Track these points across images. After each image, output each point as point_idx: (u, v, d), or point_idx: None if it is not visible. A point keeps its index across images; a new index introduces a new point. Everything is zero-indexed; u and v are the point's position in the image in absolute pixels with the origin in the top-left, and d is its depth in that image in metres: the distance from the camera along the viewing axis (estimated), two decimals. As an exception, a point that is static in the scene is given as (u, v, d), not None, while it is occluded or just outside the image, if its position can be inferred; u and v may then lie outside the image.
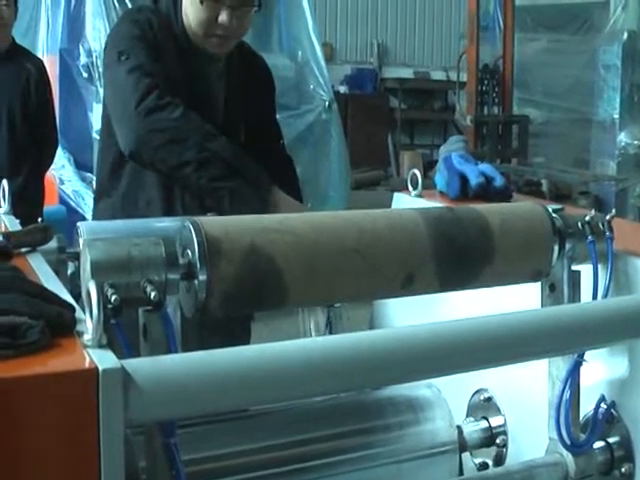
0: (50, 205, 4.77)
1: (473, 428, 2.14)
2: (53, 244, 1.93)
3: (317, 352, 1.29)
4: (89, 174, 5.78)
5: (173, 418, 1.37)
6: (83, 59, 6.11)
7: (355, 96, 12.96)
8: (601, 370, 1.88)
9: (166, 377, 1.19)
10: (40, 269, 1.58)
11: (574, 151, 9.91)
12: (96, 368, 1.14)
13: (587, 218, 1.79)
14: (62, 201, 5.95)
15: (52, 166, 4.73)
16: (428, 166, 9.93)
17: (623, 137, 9.05)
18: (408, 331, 1.39)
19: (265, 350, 1.26)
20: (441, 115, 13.59)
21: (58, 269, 1.70)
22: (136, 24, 2.56)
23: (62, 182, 6.04)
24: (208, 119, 2.48)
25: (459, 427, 2.10)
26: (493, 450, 2.14)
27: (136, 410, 1.16)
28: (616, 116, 9.03)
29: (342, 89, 12.88)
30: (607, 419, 1.85)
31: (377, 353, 1.32)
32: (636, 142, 9.00)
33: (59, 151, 4.97)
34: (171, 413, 1.24)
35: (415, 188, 2.35)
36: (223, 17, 2.47)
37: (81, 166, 6.04)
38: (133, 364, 1.18)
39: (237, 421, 1.90)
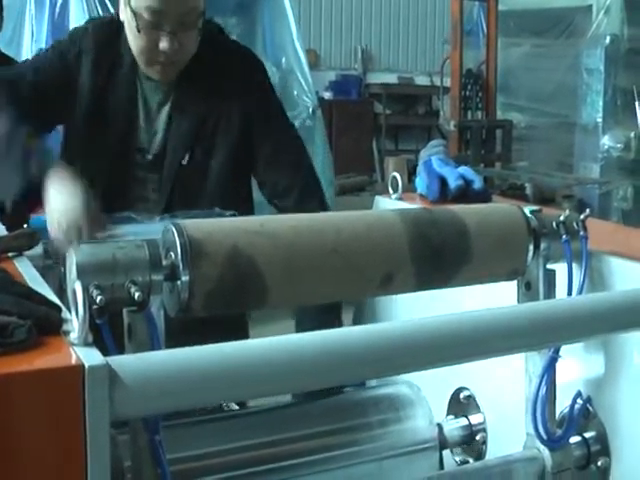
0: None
1: (453, 426, 2.17)
2: (39, 249, 1.97)
3: (300, 347, 1.33)
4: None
5: (159, 413, 1.41)
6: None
7: (340, 102, 13.00)
8: (577, 366, 1.92)
9: (151, 373, 1.22)
10: (27, 273, 1.61)
11: (558, 155, 9.97)
12: (82, 365, 1.17)
13: (562, 218, 1.83)
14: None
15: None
16: (413, 171, 9.92)
17: (606, 140, 9.10)
18: (386, 327, 1.43)
19: (248, 346, 1.30)
20: (425, 120, 13.64)
21: (44, 274, 1.73)
22: (75, 32, 2.56)
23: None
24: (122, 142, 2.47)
25: (439, 425, 2.14)
26: (473, 447, 2.18)
27: (122, 405, 1.19)
28: (599, 120, 9.08)
29: (327, 95, 12.92)
30: (583, 414, 1.89)
31: (354, 348, 1.35)
32: (619, 145, 9.06)
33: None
34: (157, 408, 1.28)
35: (395, 191, 2.39)
36: (164, 44, 2.34)
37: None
38: (118, 361, 1.22)
39: (220, 421, 1.94)
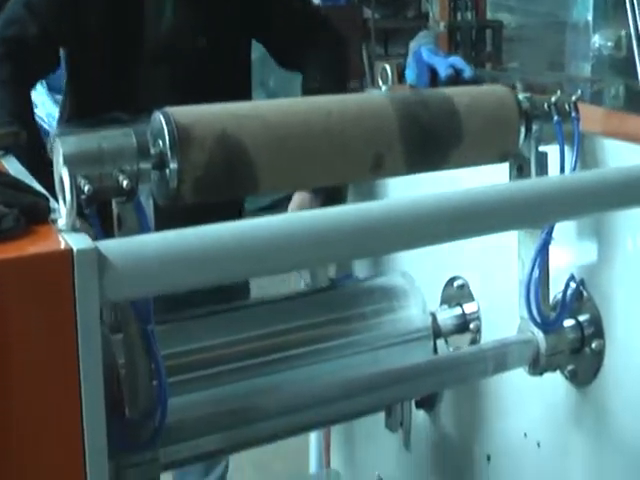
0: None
1: (447, 315, 2.18)
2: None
3: (292, 226, 1.31)
4: (61, 96, 5.71)
5: (149, 295, 1.40)
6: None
7: (328, 8, 12.80)
8: (570, 250, 1.91)
9: (140, 255, 1.21)
10: (13, 168, 1.60)
11: (549, 55, 9.86)
12: (71, 249, 1.16)
13: (553, 99, 1.80)
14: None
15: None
16: (402, 74, 9.85)
17: (597, 39, 9.00)
18: (376, 205, 1.42)
19: (239, 226, 1.28)
20: (415, 23, 13.47)
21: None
22: None
23: (35, 106, 5.98)
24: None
25: (433, 314, 2.14)
26: (467, 336, 2.18)
27: (111, 289, 1.18)
28: (590, 18, 8.97)
29: (315, 1, 12.75)
30: (577, 298, 1.88)
31: (346, 227, 1.34)
32: (610, 43, 8.95)
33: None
34: (146, 290, 1.27)
35: (385, 83, 2.37)
36: None
37: (54, 89, 5.97)
38: (107, 244, 1.20)
39: (214, 315, 1.94)
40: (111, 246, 1.21)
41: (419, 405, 2.34)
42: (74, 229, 1.24)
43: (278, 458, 3.96)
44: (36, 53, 2.37)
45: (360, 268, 2.47)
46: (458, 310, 2.19)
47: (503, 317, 2.00)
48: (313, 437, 2.99)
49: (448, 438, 2.34)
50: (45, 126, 5.76)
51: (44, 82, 5.90)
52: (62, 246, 1.18)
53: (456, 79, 2.38)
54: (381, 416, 2.41)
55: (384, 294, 2.09)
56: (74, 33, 2.42)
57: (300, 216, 1.34)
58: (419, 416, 2.38)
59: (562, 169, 1.77)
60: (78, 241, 1.18)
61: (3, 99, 2.30)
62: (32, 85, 2.44)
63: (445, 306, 2.22)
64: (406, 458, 2.46)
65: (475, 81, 2.42)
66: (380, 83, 2.41)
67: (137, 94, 2.43)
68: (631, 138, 1.84)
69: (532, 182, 1.73)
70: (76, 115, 2.53)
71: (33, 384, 1.16)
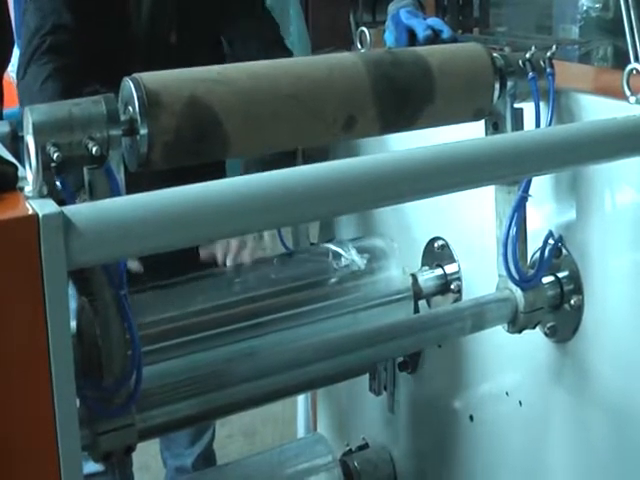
0: (9, 107, 4.70)
1: (428, 276, 2.17)
2: (5, 128, 1.93)
3: (262, 186, 1.30)
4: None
5: (116, 259, 1.40)
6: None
7: (315, -25, 12.76)
8: (547, 207, 1.90)
9: (106, 219, 1.20)
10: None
11: (536, 18, 9.81)
12: (36, 215, 1.15)
13: (527, 56, 1.79)
14: (22, 103, 5.84)
15: (9, 67, 4.63)
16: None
17: (585, 0, 8.96)
18: (349, 163, 1.39)
19: (208, 187, 1.27)
20: (402, -10, 13.41)
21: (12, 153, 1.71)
22: None
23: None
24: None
25: (414, 275, 2.13)
26: (449, 297, 2.18)
27: (78, 253, 1.17)
28: (576, -21, 8.93)
29: (301, -31, 12.67)
30: (555, 254, 1.88)
31: (320, 184, 1.32)
32: (597, 5, 8.89)
33: (16, 52, 4.86)
34: (113, 254, 1.25)
35: (363, 46, 2.35)
36: None
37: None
38: (73, 209, 1.19)
39: (190, 282, 1.93)
40: (77, 211, 1.19)
41: (402, 368, 2.35)
42: (41, 195, 1.23)
43: (268, 427, 3.99)
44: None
45: (342, 232, 2.47)
46: (439, 271, 2.19)
47: (484, 277, 2.00)
48: (301, 405, 3.00)
49: (431, 400, 2.34)
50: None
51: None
52: (28, 212, 1.17)
53: (435, 40, 2.36)
54: (365, 380, 2.42)
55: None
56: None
57: (271, 175, 1.32)
58: (403, 379, 2.39)
59: (538, 125, 1.76)
60: (44, 206, 1.17)
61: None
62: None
63: (426, 267, 2.21)
64: (390, 421, 2.46)
65: (453, 41, 2.40)
66: (359, 46, 2.39)
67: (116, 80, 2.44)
68: (606, 93, 1.83)
69: (506, 136, 1.72)
70: None
71: (0, 352, 1.15)
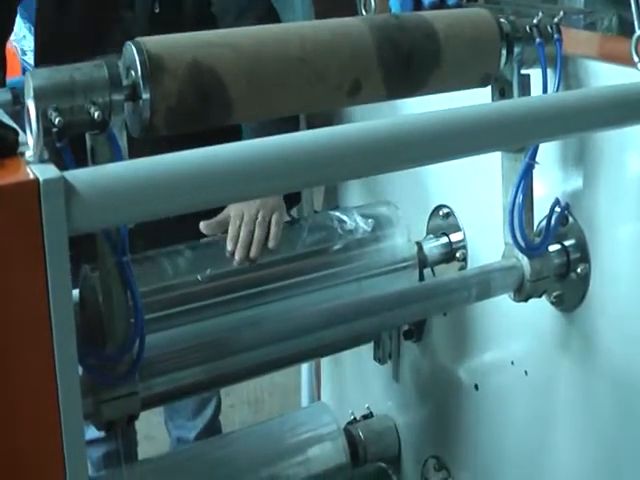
0: (12, 77, 4.68)
1: (433, 244, 2.16)
2: (7, 96, 1.91)
3: (266, 150, 1.28)
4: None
5: (117, 224, 1.38)
6: None
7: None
8: (554, 175, 1.88)
9: (108, 183, 1.18)
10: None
11: (541, -13, 9.75)
12: (37, 179, 1.13)
13: (535, 21, 1.76)
14: (24, 72, 5.81)
15: (12, 37, 4.61)
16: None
17: (590, -30, 8.89)
18: (359, 127, 1.37)
19: (210, 152, 1.25)
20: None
21: (14, 120, 1.69)
22: None
23: (24, 53, 5.89)
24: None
25: (419, 243, 2.12)
26: (454, 265, 2.17)
27: (79, 218, 1.15)
28: (583, -53, 8.85)
29: None
30: (562, 222, 1.86)
31: (323, 150, 1.30)
32: (603, -26, 8.85)
33: (19, 22, 4.83)
34: (115, 219, 1.24)
35: (368, 12, 2.32)
36: None
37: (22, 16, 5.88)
38: (74, 174, 1.17)
39: (195, 250, 1.92)
40: (78, 175, 1.18)
41: (407, 337, 2.34)
42: (42, 160, 1.21)
43: (272, 396, 3.99)
44: None
45: (346, 200, 2.45)
46: (444, 239, 2.17)
47: (490, 245, 1.98)
48: (305, 374, 3.00)
49: (436, 369, 2.33)
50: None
51: (32, 29, 5.82)
52: (29, 177, 1.15)
53: (440, 6, 2.34)
54: (370, 349, 2.41)
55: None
56: None
57: (275, 140, 1.30)
58: (407, 348, 2.38)
59: (545, 92, 1.74)
60: (45, 171, 1.15)
61: None
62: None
63: (431, 235, 2.20)
64: (395, 390, 2.46)
65: (459, 7, 2.38)
66: (363, 12, 2.37)
67: (100, 42, 2.40)
68: (614, 59, 1.80)
69: (513, 101, 1.69)
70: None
71: (1, 317, 1.14)
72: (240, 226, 1.91)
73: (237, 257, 1.89)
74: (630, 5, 1.96)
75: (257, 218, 1.91)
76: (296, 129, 2.05)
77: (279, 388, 3.90)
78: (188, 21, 2.40)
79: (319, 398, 2.84)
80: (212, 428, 2.87)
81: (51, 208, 1.13)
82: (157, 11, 2.38)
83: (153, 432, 3.34)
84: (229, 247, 1.90)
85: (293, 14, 6.87)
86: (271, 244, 1.92)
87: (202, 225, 1.93)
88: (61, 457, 1.19)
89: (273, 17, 2.38)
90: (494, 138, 1.50)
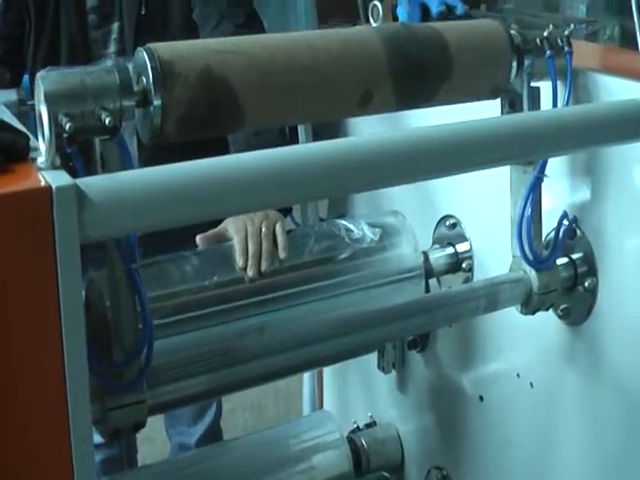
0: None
1: (439, 254, 2.16)
2: (13, 96, 1.91)
3: (276, 161, 1.28)
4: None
5: (128, 232, 1.38)
6: None
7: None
8: (563, 188, 1.88)
9: (120, 192, 1.18)
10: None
11: (544, -4, 9.75)
12: (50, 186, 1.13)
13: (545, 34, 1.76)
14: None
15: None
16: (395, 12, 9.74)
17: (592, -22, 8.88)
18: (369, 140, 1.37)
19: (220, 162, 1.25)
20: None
21: (20, 121, 1.69)
22: None
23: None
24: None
25: (425, 253, 2.12)
26: (460, 276, 2.16)
27: (91, 225, 1.15)
28: (585, -43, 8.84)
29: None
30: (570, 235, 1.86)
31: (333, 162, 1.31)
32: (605, -17, 8.84)
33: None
34: (126, 227, 1.24)
35: (376, 20, 2.33)
36: None
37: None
38: (86, 181, 1.17)
39: (202, 255, 1.91)
40: (91, 183, 1.17)
41: (412, 346, 2.33)
42: (54, 167, 1.21)
43: (273, 401, 3.98)
44: None
45: (353, 208, 2.45)
46: (450, 249, 2.17)
47: (496, 256, 1.98)
48: (306, 380, 2.99)
49: (441, 379, 2.33)
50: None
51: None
52: (41, 184, 1.15)
53: (448, 16, 2.34)
54: (374, 358, 2.40)
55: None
56: None
57: (287, 150, 1.30)
58: (412, 357, 2.38)
59: (555, 104, 1.74)
60: (57, 178, 1.15)
61: None
62: None
63: (437, 245, 2.20)
64: (398, 399, 2.45)
65: (467, 17, 2.38)
66: (371, 21, 2.37)
67: (87, 49, 2.41)
68: (624, 73, 1.80)
69: (523, 115, 1.69)
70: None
71: (13, 325, 1.13)
72: (245, 238, 1.88)
73: (250, 273, 1.85)
74: (632, 15, 1.97)
75: (262, 230, 1.89)
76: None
77: (280, 393, 3.90)
78: (174, 25, 2.40)
79: (321, 404, 2.84)
80: (213, 433, 2.86)
81: (63, 216, 1.13)
82: (143, 12, 2.38)
83: (153, 434, 3.33)
84: (240, 263, 1.86)
85: (295, 14, 6.86)
86: (282, 255, 1.88)
87: (199, 238, 1.91)
88: (69, 463, 1.19)
89: (254, 25, 2.34)
90: (504, 152, 1.51)
